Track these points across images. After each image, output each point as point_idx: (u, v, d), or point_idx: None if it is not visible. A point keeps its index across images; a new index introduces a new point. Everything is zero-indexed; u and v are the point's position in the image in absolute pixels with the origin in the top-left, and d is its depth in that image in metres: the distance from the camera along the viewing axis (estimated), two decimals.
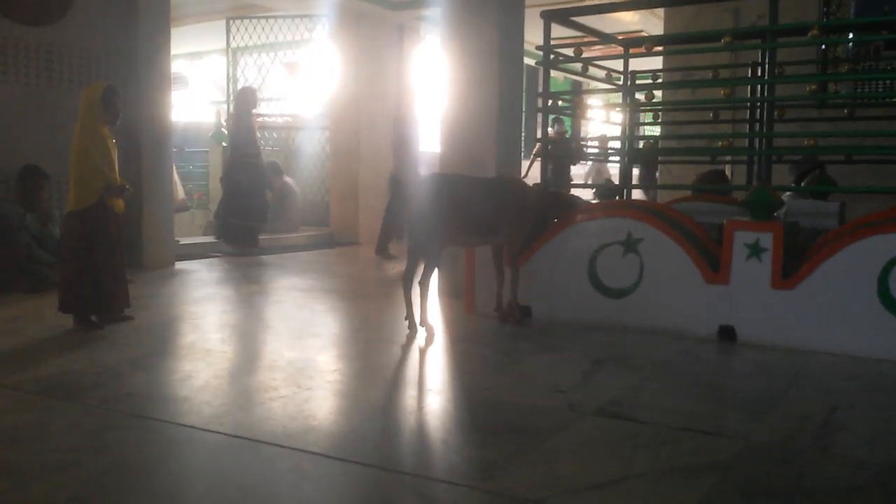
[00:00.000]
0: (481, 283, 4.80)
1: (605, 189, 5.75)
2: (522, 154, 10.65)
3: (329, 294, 5.73)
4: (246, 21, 10.52)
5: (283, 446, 2.51)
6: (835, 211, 4.75)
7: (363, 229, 9.34)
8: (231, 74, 12.00)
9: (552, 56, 5.29)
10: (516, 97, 5.74)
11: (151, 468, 2.38)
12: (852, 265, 3.78)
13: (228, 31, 10.87)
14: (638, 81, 6.10)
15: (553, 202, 4.63)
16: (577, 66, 5.83)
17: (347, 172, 9.29)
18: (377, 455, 2.46)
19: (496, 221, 4.35)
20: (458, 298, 5.07)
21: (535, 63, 5.54)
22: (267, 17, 10.41)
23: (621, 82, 5.94)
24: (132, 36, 6.75)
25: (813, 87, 4.67)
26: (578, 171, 12.09)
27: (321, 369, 3.49)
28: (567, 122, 13.48)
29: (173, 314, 4.77)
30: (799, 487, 2.24)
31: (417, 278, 4.27)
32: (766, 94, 4.62)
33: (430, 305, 4.52)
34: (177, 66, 13.51)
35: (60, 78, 6.33)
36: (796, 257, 4.03)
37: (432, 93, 8.99)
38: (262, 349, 4.06)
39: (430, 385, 3.32)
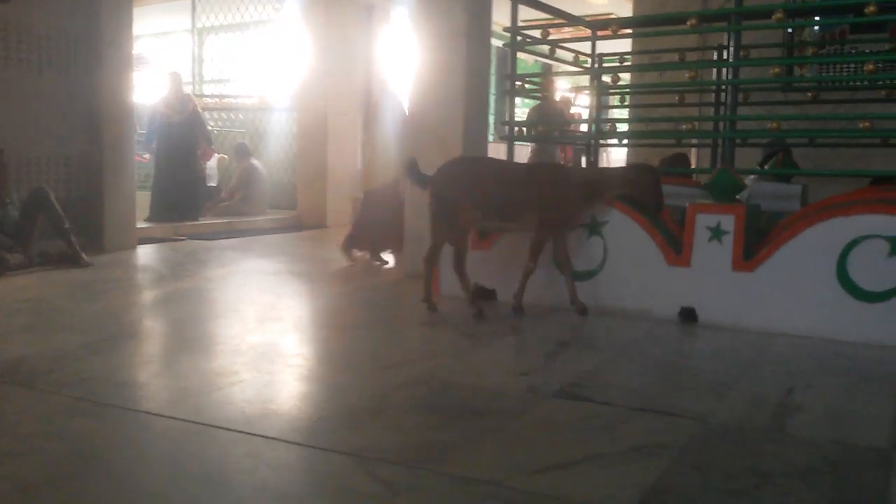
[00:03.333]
0: (448, 264, 4.77)
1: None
2: (492, 136, 10.64)
3: (294, 278, 5.68)
4: (212, 0, 10.35)
5: (240, 431, 2.48)
6: (797, 194, 4.80)
7: (331, 212, 9.28)
8: (197, 55, 11.83)
9: (519, 38, 5.26)
10: (484, 79, 5.72)
11: (107, 455, 2.34)
12: (812, 247, 3.83)
13: (194, 10, 10.70)
14: (605, 64, 6.10)
15: (599, 187, 4.27)
16: (546, 49, 5.80)
17: (315, 155, 9.20)
18: (335, 439, 2.44)
19: (522, 207, 4.24)
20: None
21: (503, 45, 5.51)
22: None
23: (589, 65, 5.93)
24: (94, 16, 6.61)
25: (776, 70, 4.68)
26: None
27: (283, 353, 3.46)
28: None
29: (133, 298, 4.71)
30: (754, 468, 2.26)
31: (436, 260, 4.39)
32: (730, 77, 4.64)
33: (450, 285, 4.57)
34: (141, 46, 13.28)
35: (19, 58, 6.18)
36: (758, 240, 4.06)
37: (401, 74, 8.92)
38: (223, 333, 4.01)
39: (393, 368, 3.29)
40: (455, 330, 4.01)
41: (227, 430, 2.50)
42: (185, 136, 8.44)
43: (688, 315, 4.11)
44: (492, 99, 11.05)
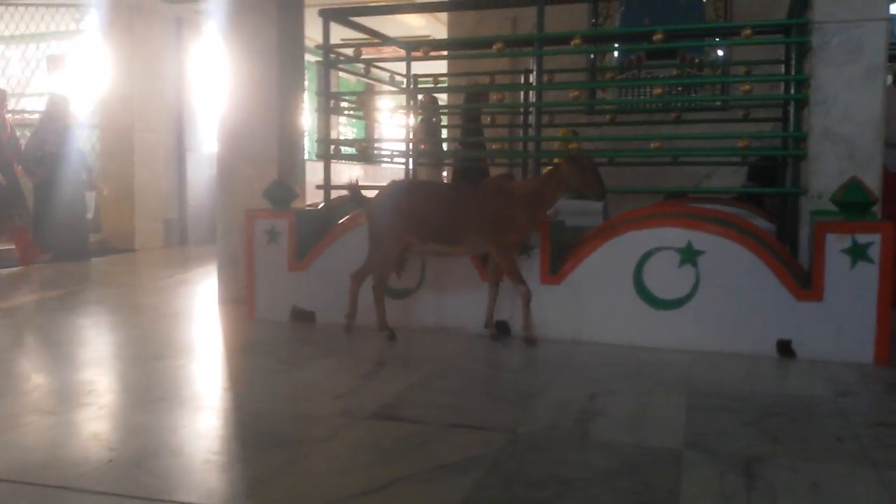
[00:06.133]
0: (263, 286, 4.64)
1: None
2: (314, 154, 10.50)
3: (95, 307, 5.27)
4: (0, 8, 9.51)
5: (20, 482, 2.23)
6: (599, 210, 5.08)
7: (140, 235, 8.76)
8: None
9: (333, 56, 5.22)
10: (298, 96, 5.61)
11: None
12: (611, 260, 4.05)
13: None
14: (420, 85, 6.19)
15: (542, 196, 3.98)
16: (363, 68, 5.80)
17: (121, 174, 8.66)
18: (128, 483, 2.24)
19: (465, 230, 3.99)
20: (240, 304, 4.86)
21: (316, 62, 5.45)
22: (26, 6, 9.50)
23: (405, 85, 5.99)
24: None
25: (575, 93, 4.95)
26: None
27: (74, 392, 3.17)
28: (360, 124, 13.50)
29: None
30: (558, 475, 2.32)
31: (385, 286, 4.15)
32: (534, 100, 4.84)
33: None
34: None
35: None
36: (563, 254, 4.24)
37: (212, 90, 8.62)
38: (3, 373, 3.60)
39: (199, 401, 3.11)
40: (269, 356, 3.86)
41: (5, 481, 2.24)
42: (73, 167, 7.70)
43: (502, 328, 4.21)
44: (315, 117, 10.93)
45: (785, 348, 3.80)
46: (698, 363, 3.69)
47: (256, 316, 4.65)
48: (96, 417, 2.88)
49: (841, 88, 3.99)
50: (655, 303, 3.99)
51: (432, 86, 6.33)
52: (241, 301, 4.89)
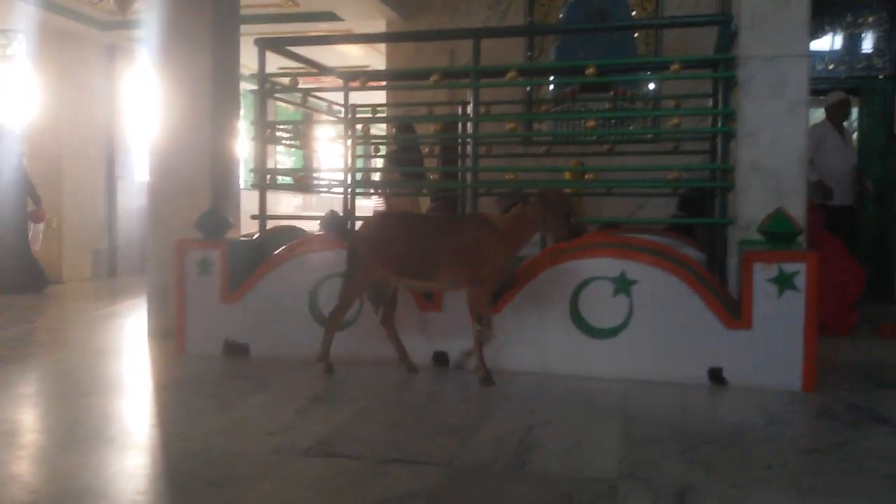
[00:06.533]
0: (193, 320, 4.52)
1: (331, 221, 5.66)
2: (251, 184, 10.37)
3: (18, 344, 5.05)
4: None
5: None
6: (536, 240, 5.10)
7: (68, 266, 8.47)
8: None
9: (269, 85, 5.18)
10: (233, 125, 5.55)
11: None
12: (548, 289, 4.08)
13: None
14: (358, 115, 6.18)
15: (519, 229, 3.89)
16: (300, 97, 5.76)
17: (48, 202, 8.36)
18: None
19: (439, 265, 3.88)
20: (171, 338, 4.72)
21: (250, 91, 5.40)
22: None
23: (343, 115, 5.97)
24: None
25: (512, 125, 5.00)
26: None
27: None
28: (299, 153, 13.39)
29: None
30: None
31: (341, 319, 4.11)
32: (471, 131, 4.88)
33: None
34: None
35: None
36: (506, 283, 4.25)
37: (145, 118, 8.46)
38: None
39: (125, 439, 2.99)
40: (200, 391, 3.74)
41: None
42: (18, 196, 7.49)
43: (440, 359, 4.19)
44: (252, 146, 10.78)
45: (716, 376, 3.87)
46: (633, 392, 3.73)
47: (188, 350, 4.52)
48: (17, 458, 2.75)
49: (766, 122, 4.12)
50: (591, 332, 4.03)
51: (370, 116, 6.32)
52: (171, 335, 4.74)
